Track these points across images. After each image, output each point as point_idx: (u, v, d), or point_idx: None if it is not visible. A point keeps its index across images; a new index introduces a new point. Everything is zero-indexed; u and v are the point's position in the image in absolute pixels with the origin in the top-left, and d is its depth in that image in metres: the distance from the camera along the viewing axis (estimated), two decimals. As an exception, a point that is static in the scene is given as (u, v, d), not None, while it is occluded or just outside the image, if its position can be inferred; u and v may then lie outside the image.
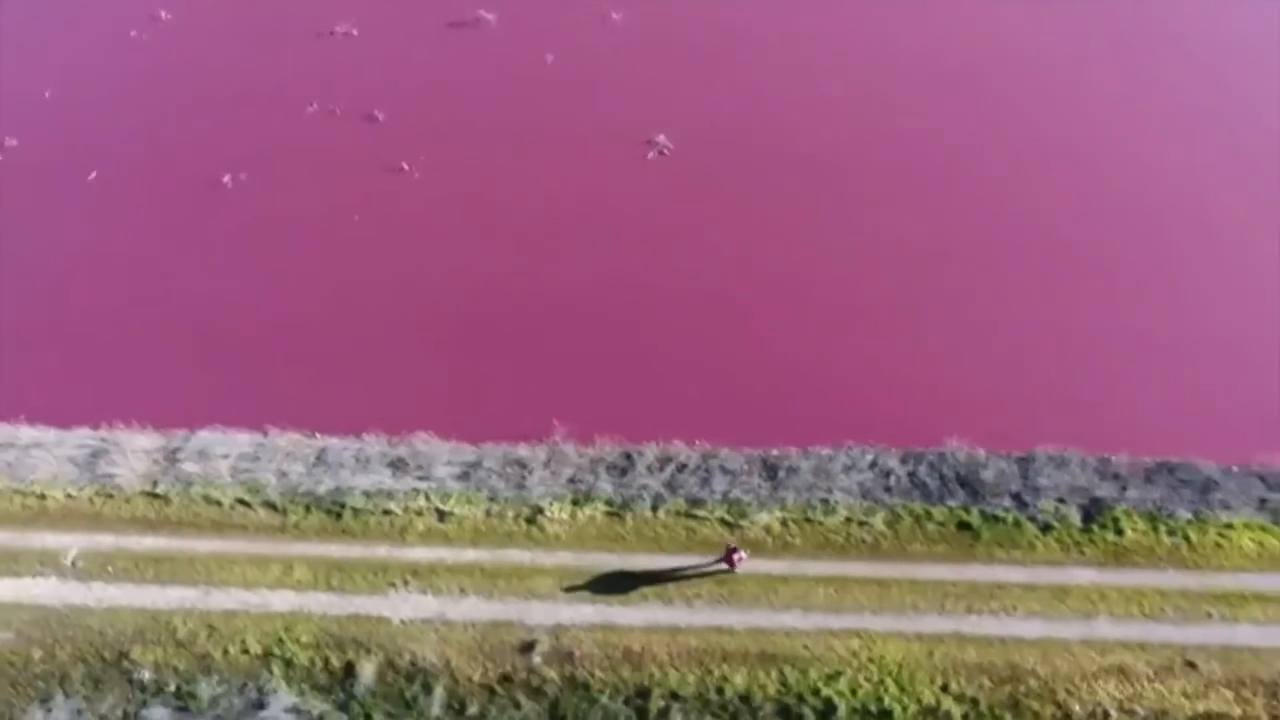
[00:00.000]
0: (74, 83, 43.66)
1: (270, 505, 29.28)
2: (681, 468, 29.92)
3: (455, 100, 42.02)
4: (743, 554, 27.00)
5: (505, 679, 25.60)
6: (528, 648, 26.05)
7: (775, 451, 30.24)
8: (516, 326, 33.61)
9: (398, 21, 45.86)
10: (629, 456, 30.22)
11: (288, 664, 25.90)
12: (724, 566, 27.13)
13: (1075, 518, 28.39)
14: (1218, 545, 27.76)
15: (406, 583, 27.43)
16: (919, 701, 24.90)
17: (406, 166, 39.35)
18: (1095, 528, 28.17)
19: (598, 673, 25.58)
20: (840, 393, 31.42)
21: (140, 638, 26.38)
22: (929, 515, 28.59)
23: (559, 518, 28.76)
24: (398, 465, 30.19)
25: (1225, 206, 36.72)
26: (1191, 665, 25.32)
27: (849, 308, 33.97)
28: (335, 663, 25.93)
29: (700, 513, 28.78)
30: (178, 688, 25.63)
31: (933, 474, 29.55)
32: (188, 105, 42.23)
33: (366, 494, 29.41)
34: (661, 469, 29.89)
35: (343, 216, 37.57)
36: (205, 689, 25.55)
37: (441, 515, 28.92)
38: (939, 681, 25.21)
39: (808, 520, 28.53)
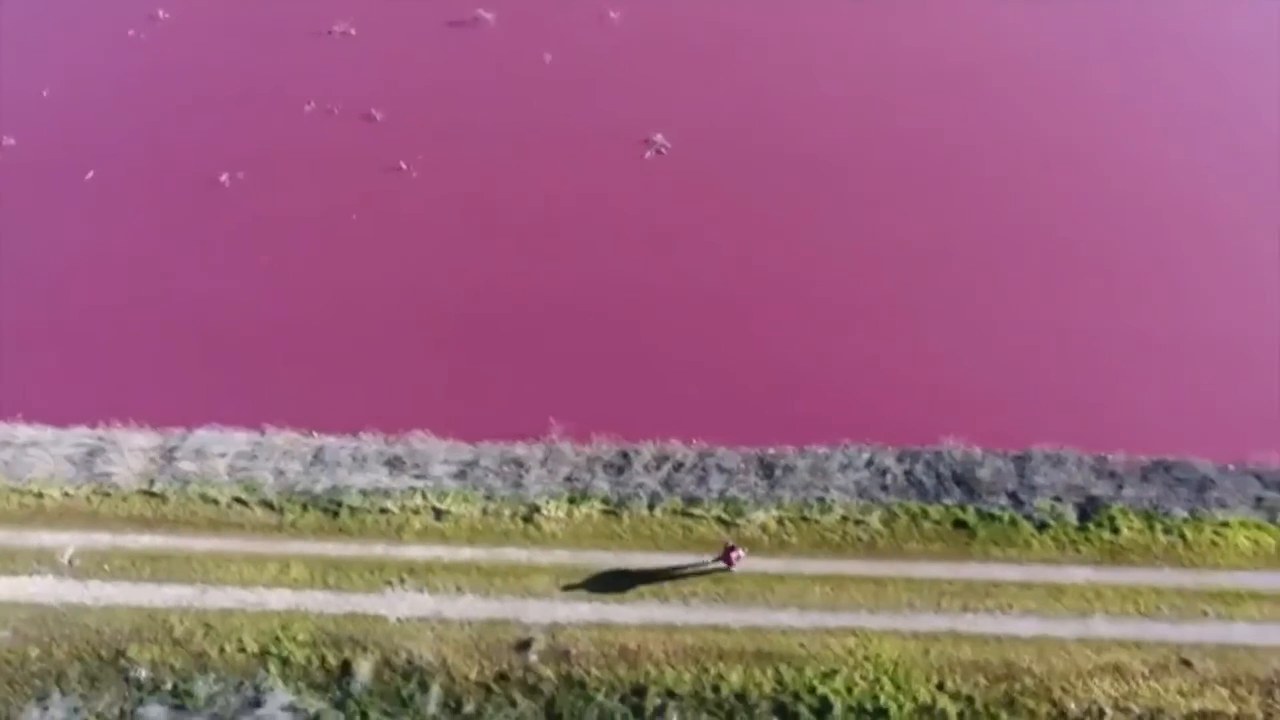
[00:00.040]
0: (72, 82, 43.72)
1: (267, 504, 29.31)
2: (678, 466, 29.94)
3: (453, 100, 42.06)
4: (740, 552, 27.00)
5: (501, 677, 25.62)
6: (524, 646, 26.07)
7: (772, 450, 30.27)
8: (513, 325, 33.65)
9: (396, 21, 45.89)
10: (626, 455, 30.23)
11: (284, 662, 25.92)
12: (721, 565, 27.15)
13: (1071, 516, 28.41)
14: (1213, 544, 27.79)
15: (403, 581, 27.46)
16: (914, 699, 24.91)
17: (404, 166, 39.38)
18: (1091, 526, 28.18)
19: (594, 671, 25.59)
20: (837, 391, 31.45)
21: (137, 636, 26.42)
22: (925, 514, 28.61)
23: (556, 516, 28.78)
24: (394, 464, 30.21)
25: (1224, 207, 36.74)
26: (1187, 663, 25.35)
27: (846, 307, 33.99)
28: (332, 661, 25.96)
29: (697, 511, 28.80)
30: (174, 686, 25.65)
31: (929, 473, 29.56)
32: (186, 105, 42.28)
33: (363, 492, 29.43)
34: (658, 467, 29.91)
35: (341, 216, 37.61)
36: (202, 687, 25.58)
37: (438, 514, 28.95)
38: (935, 680, 25.23)
39: (804, 519, 28.55)
